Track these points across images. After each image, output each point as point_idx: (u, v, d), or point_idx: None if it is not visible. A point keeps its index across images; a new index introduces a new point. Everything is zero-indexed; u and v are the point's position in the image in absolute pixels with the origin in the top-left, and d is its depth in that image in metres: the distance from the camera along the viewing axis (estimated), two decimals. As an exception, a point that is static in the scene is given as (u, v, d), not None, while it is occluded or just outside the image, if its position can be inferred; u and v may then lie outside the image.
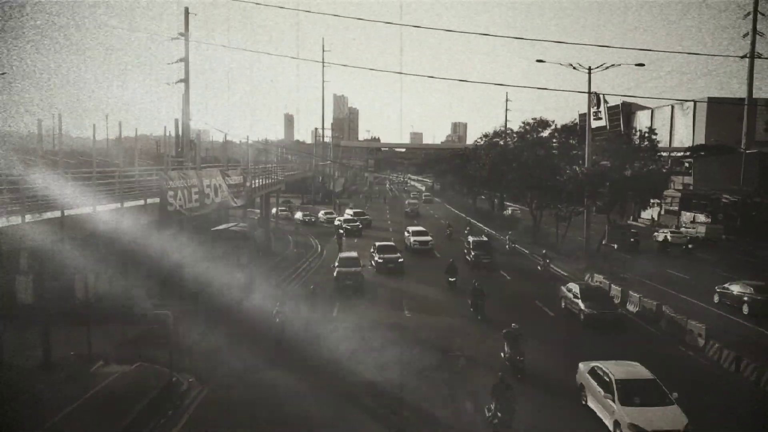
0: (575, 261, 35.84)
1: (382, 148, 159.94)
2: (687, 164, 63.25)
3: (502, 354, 17.43)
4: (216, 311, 21.60)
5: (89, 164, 20.17)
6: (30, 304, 16.30)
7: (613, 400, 13.26)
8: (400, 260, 32.73)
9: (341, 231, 43.94)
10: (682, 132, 67.87)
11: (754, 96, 58.11)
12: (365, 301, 25.80)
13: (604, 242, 36.49)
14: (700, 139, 62.84)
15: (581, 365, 15.55)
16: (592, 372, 14.75)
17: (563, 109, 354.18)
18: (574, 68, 35.71)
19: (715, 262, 37.02)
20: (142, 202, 21.11)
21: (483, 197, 77.97)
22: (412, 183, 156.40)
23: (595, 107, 71.28)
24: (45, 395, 14.02)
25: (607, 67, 35.11)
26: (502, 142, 59.51)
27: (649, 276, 31.28)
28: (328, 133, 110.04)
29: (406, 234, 42.01)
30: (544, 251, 33.98)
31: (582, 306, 22.61)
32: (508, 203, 68.75)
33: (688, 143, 64.06)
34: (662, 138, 61.16)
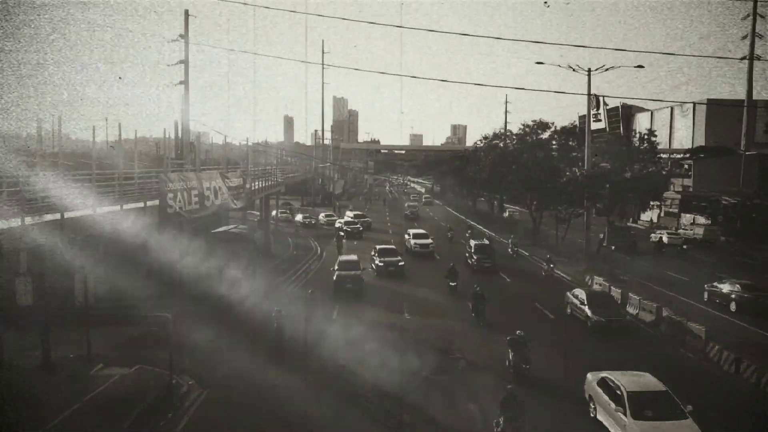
0: (575, 263, 35.82)
1: (382, 150, 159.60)
2: (687, 166, 63.29)
3: (507, 362, 17.20)
4: (216, 313, 21.58)
5: (89, 166, 20.19)
6: (30, 306, 16.32)
7: (625, 414, 12.60)
8: (400, 263, 32.64)
9: (341, 233, 43.93)
10: (682, 134, 67.98)
11: (753, 98, 58.27)
12: (365, 304, 25.75)
13: (603, 244, 36.50)
14: (700, 141, 62.93)
15: (589, 375, 14.98)
16: (602, 383, 14.13)
17: (563, 111, 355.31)
18: (574, 70, 35.74)
19: (712, 263, 37.02)
20: (141, 204, 21.13)
21: (483, 199, 78.01)
22: (412, 185, 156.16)
23: (595, 109, 71.32)
24: (45, 397, 14.01)
25: (606, 69, 35.14)
26: (501, 144, 59.47)
27: (646, 276, 31.47)
28: (327, 135, 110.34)
29: (406, 237, 41.78)
30: (548, 255, 33.76)
31: (589, 313, 22.25)
32: (507, 205, 68.75)
33: (687, 145, 64.15)
34: (662, 140, 61.30)
